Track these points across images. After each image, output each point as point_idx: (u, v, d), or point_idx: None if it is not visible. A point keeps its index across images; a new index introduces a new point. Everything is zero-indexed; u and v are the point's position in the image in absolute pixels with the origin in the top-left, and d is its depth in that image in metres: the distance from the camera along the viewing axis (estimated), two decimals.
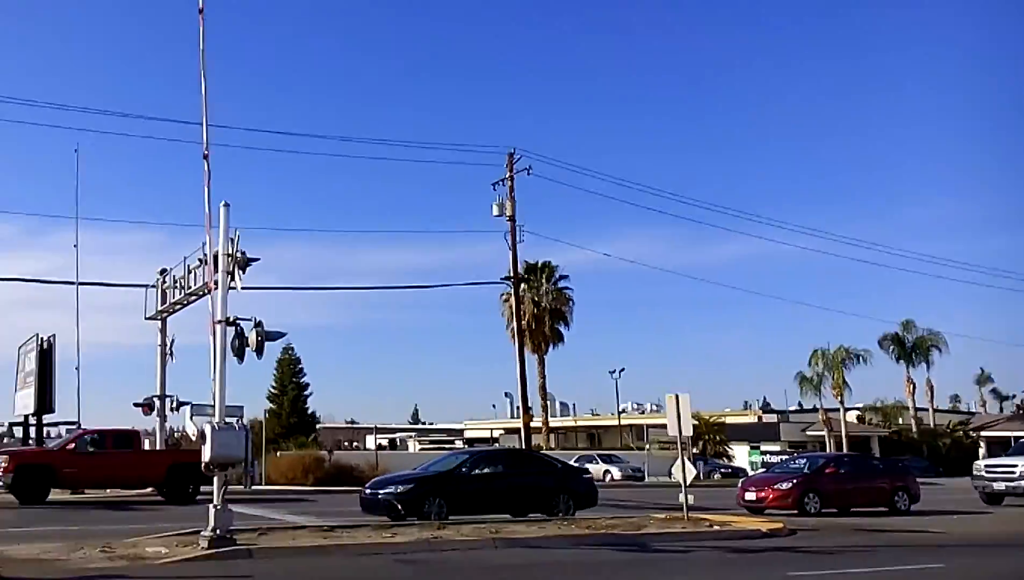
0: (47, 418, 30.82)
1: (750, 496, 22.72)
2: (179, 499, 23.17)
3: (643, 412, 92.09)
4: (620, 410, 76.66)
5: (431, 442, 76.28)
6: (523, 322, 58.04)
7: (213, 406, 13.80)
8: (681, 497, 18.60)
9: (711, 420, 60.00)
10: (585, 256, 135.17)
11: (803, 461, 24.27)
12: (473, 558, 13.41)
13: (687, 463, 18.92)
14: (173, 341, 27.44)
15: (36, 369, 29.46)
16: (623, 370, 68.19)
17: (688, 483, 18.69)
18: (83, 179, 44.11)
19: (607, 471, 44.65)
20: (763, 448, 67.10)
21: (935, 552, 15.44)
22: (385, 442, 79.95)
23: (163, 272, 26.55)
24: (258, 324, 13.86)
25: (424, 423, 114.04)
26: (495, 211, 40.26)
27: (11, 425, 34.87)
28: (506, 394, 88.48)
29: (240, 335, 13.91)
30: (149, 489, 25.45)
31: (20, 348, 32.28)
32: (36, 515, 19.59)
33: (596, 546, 15.13)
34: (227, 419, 13.52)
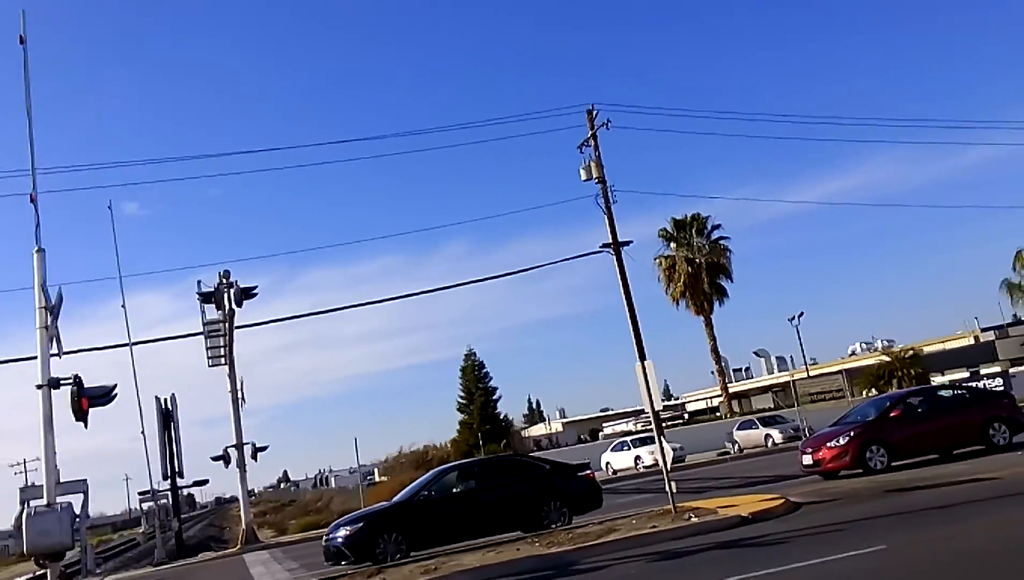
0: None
1: (807, 460, 18.35)
2: None
3: (875, 350, 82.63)
4: (808, 359, 68.23)
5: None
6: (679, 283, 53.48)
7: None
8: (668, 485, 15.06)
9: (901, 353, 51.58)
10: (757, 208, 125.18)
11: (871, 406, 19.25)
12: None
13: (665, 444, 15.31)
14: (243, 383, 26.57)
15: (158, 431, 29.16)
16: (802, 315, 58.30)
17: (670, 466, 15.14)
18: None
19: (768, 435, 39.57)
20: (983, 371, 57.36)
21: (944, 515, 11.21)
22: (618, 429, 76.36)
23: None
24: (77, 383, 12.04)
25: (671, 399, 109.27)
26: (582, 176, 36.73)
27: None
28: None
29: (77, 397, 12.33)
30: None
31: None
32: None
33: (501, 577, 12.24)
34: (62, 499, 11.99)
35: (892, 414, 17.82)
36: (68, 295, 12.85)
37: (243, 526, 27.36)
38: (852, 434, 17.57)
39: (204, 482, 33.74)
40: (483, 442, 60.52)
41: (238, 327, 25.03)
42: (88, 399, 12.40)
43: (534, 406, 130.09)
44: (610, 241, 36.17)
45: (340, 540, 15.33)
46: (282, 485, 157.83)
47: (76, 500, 12.45)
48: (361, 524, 15.55)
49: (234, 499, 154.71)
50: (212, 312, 22.91)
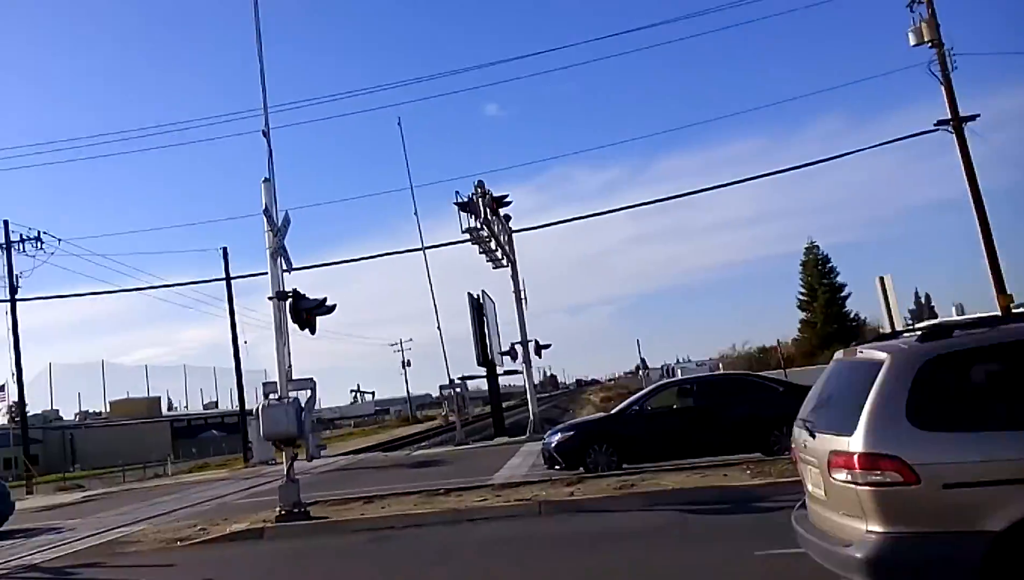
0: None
1: None
2: None
3: None
4: None
5: None
6: None
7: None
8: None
9: None
10: None
11: None
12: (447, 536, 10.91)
13: None
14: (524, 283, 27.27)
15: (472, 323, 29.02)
16: None
17: None
18: None
19: None
20: None
21: None
22: None
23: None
24: (296, 296, 13.14)
25: None
26: (911, 40, 30.98)
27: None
28: None
29: (294, 308, 13.43)
30: None
31: None
32: None
33: (674, 506, 11.16)
34: (292, 393, 13.20)
35: None
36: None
37: (531, 418, 28.58)
38: None
39: (517, 372, 35.66)
40: (828, 343, 56.07)
41: (518, 231, 25.64)
42: (307, 310, 13.41)
43: (922, 301, 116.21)
44: (948, 117, 29.98)
45: (553, 445, 15.28)
46: (639, 372, 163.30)
47: (304, 395, 13.68)
48: (572, 433, 15.50)
49: (595, 382, 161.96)
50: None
